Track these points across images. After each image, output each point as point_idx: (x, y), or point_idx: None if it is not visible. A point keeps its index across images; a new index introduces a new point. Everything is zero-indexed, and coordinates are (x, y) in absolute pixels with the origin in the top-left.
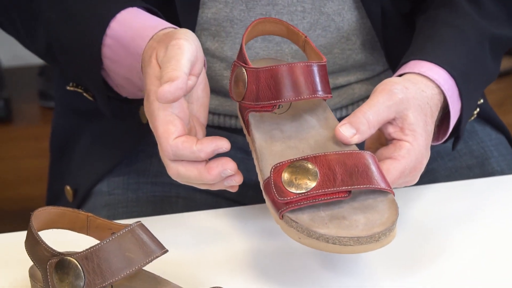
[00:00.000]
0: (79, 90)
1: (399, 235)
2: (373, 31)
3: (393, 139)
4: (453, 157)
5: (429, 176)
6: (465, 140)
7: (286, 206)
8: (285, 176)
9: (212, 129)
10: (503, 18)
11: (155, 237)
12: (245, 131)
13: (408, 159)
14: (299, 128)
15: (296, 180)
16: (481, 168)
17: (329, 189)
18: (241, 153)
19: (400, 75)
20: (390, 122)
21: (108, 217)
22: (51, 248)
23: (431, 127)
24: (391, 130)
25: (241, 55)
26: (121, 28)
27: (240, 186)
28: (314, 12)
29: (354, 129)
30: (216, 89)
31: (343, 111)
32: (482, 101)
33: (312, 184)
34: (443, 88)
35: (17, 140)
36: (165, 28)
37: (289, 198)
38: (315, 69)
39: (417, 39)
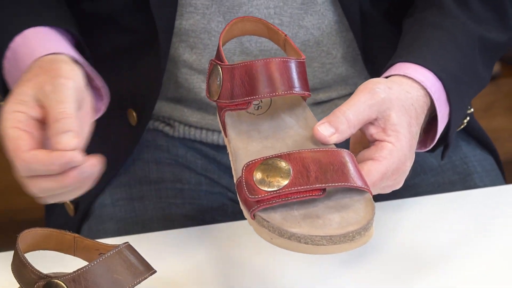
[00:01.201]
0: None
1: (382, 250)
2: (354, 43)
3: (375, 140)
4: (436, 172)
5: (411, 191)
6: (448, 155)
7: (257, 205)
8: (257, 174)
9: (196, 143)
10: (493, 21)
11: (143, 258)
12: (223, 134)
13: (390, 160)
14: (277, 128)
15: (268, 178)
16: (463, 184)
17: (302, 187)
18: (228, 172)
19: (386, 78)
20: (372, 123)
21: (117, 229)
22: (38, 271)
23: (416, 129)
24: (373, 131)
25: (218, 54)
26: (22, 43)
27: (234, 205)
28: (292, 25)
29: (333, 128)
30: (194, 102)
31: None
32: (472, 110)
33: (284, 182)
34: (429, 90)
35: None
36: (57, 53)
37: (260, 196)
38: (292, 65)
39: (403, 41)
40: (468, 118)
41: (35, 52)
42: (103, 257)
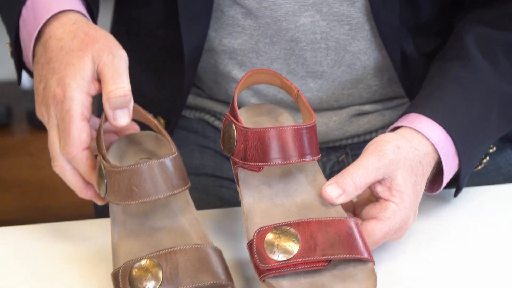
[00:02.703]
0: (8, 48)
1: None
2: None
3: (381, 198)
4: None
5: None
6: (493, 157)
7: (267, 273)
8: (268, 240)
9: None
10: None
11: (178, 172)
12: (237, 183)
13: (393, 221)
14: (287, 185)
15: (277, 246)
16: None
17: (309, 258)
18: None
19: (398, 127)
20: (379, 181)
21: None
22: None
23: (421, 186)
24: (379, 190)
25: (232, 109)
26: None
27: None
28: (338, 50)
29: (341, 189)
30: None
31: (373, 134)
32: (494, 148)
33: (294, 248)
34: (437, 147)
35: None
36: (71, 11)
37: (270, 265)
38: (304, 132)
39: (424, 89)
40: (487, 158)
41: (52, 5)
42: (129, 166)
